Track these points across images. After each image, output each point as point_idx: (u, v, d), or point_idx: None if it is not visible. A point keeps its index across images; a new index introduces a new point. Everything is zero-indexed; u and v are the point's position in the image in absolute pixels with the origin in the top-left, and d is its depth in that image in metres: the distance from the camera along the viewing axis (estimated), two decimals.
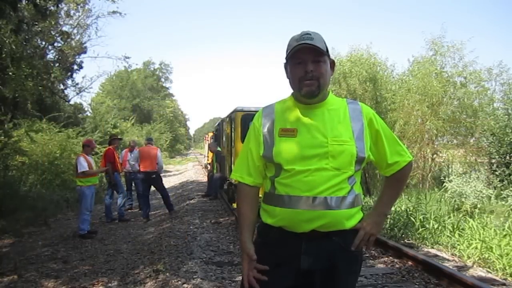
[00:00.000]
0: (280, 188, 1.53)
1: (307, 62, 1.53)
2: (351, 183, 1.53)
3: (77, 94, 18.61)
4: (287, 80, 1.64)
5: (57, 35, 15.46)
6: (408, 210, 6.99)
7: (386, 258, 4.79)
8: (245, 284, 1.56)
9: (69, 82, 18.05)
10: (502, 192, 9.52)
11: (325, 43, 1.57)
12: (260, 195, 1.67)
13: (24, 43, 11.80)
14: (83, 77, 36.41)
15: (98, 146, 11.32)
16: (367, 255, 4.95)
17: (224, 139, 10.60)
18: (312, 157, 1.49)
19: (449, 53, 13.58)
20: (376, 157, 1.61)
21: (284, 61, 1.63)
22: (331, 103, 1.61)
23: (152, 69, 47.04)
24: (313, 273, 1.52)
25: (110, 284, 4.16)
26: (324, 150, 1.49)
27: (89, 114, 21.74)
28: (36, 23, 12.18)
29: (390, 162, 1.60)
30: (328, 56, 1.59)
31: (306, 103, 1.59)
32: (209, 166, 14.45)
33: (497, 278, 4.24)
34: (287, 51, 1.58)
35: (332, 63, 1.63)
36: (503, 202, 8.77)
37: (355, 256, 1.58)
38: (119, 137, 9.35)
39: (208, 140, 20.73)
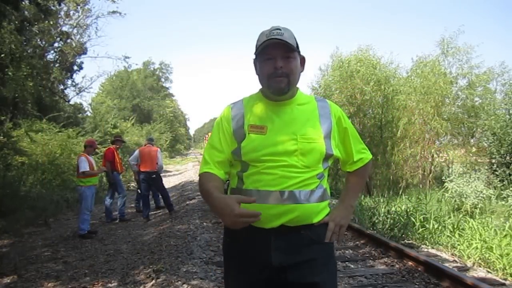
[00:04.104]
0: (248, 183, 1.50)
1: (276, 58, 1.49)
2: (319, 177, 1.54)
3: (77, 94, 18.67)
4: (257, 77, 1.59)
5: (57, 35, 15.48)
6: (408, 210, 6.98)
7: (386, 258, 4.78)
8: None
9: (69, 82, 18.10)
10: (502, 192, 9.51)
11: (295, 39, 1.54)
12: None
13: (24, 43, 11.81)
14: (83, 77, 36.57)
15: (98, 146, 11.32)
16: (367, 255, 4.95)
17: None
18: (282, 154, 1.48)
19: (457, 55, 13.62)
20: (343, 154, 1.65)
21: (254, 57, 1.58)
22: (300, 100, 1.60)
23: (152, 69, 46.94)
24: (286, 268, 1.48)
25: (110, 284, 4.15)
26: (293, 148, 1.48)
27: (89, 114, 21.72)
28: (36, 23, 12.19)
29: (355, 160, 1.66)
30: (299, 52, 1.56)
31: (275, 99, 1.57)
32: None
33: (497, 278, 4.24)
34: (256, 46, 1.54)
35: (303, 60, 1.60)
36: (504, 202, 8.77)
37: (328, 248, 1.59)
38: (123, 139, 9.30)
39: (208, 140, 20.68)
